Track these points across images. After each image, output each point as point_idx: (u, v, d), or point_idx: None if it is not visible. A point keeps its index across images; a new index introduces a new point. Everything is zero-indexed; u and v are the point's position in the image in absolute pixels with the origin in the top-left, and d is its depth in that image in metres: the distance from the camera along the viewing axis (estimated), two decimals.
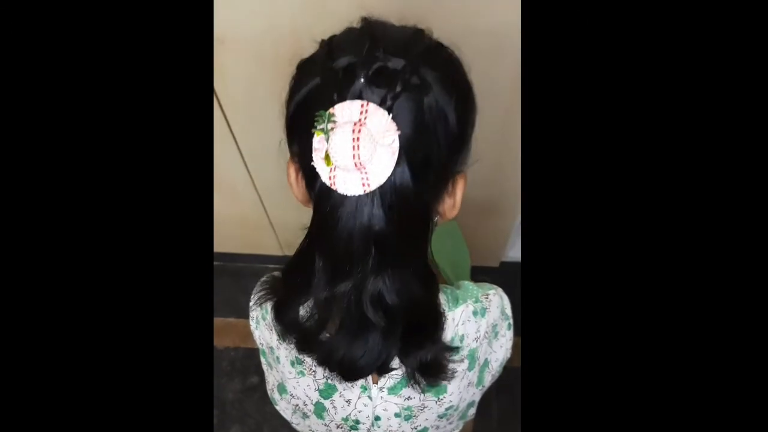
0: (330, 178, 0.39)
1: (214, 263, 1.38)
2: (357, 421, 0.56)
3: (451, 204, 0.46)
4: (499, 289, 0.57)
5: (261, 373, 1.25)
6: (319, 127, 0.38)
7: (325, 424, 0.58)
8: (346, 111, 0.38)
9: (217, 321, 1.29)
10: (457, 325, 0.51)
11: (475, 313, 0.53)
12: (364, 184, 0.39)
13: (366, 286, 0.43)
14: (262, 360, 0.63)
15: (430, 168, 0.41)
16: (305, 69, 0.43)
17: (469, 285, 0.55)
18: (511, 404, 1.15)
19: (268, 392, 0.65)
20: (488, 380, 0.59)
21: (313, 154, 0.39)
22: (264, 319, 0.56)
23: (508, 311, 0.58)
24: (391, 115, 0.37)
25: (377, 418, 0.55)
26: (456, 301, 0.52)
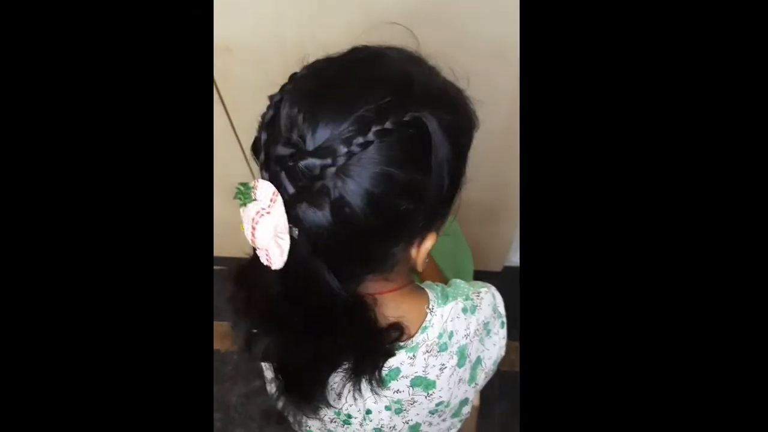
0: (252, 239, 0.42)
1: (219, 267, 1.38)
2: (349, 415, 0.56)
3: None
4: (492, 287, 0.58)
5: (264, 377, 1.25)
6: (239, 195, 0.41)
7: (320, 418, 0.59)
8: (262, 190, 0.40)
9: (221, 325, 1.29)
10: (446, 321, 0.52)
11: (464, 310, 0.53)
12: (267, 260, 0.42)
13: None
14: None
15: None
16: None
17: (460, 283, 0.56)
18: (513, 408, 1.14)
19: (267, 387, 0.65)
20: (482, 378, 0.59)
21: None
22: None
23: (501, 309, 0.58)
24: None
25: (368, 412, 0.56)
26: (446, 299, 0.53)
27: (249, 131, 1.02)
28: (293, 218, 0.40)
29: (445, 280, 0.60)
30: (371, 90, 0.39)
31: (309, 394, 0.50)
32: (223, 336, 1.29)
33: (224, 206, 1.10)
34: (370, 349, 0.48)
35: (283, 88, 0.42)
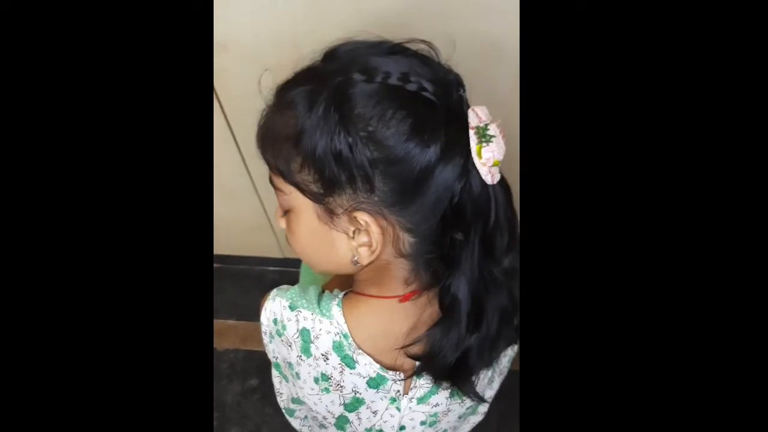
0: (491, 174, 0.44)
1: (215, 265, 1.38)
2: (380, 431, 0.56)
3: None
4: None
5: (260, 375, 1.24)
6: (480, 137, 0.43)
7: None
8: (478, 114, 0.43)
9: (218, 323, 1.29)
10: None
11: None
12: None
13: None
14: (274, 372, 0.61)
15: None
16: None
17: None
18: (510, 407, 1.14)
19: (281, 404, 0.63)
20: (496, 377, 0.59)
21: (481, 167, 0.43)
22: (280, 335, 0.53)
23: None
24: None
25: (402, 428, 0.55)
26: None
27: (245, 129, 1.02)
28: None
29: None
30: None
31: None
32: (219, 334, 1.28)
33: (223, 204, 1.10)
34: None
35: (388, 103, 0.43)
